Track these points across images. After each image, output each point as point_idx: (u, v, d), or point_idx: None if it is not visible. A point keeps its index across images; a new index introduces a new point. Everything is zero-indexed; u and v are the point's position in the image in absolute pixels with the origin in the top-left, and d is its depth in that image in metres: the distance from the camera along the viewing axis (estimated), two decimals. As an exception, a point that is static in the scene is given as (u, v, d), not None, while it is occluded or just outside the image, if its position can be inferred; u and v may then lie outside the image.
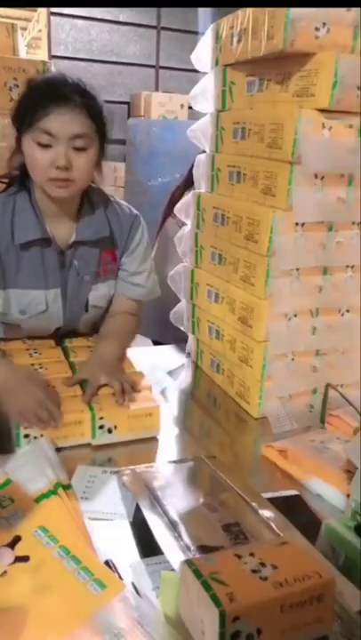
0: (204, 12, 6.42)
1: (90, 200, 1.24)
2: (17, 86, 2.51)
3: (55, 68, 2.59)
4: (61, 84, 1.09)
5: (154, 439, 1.11)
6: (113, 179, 5.97)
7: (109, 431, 1.07)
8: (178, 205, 1.50)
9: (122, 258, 1.31)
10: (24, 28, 6.63)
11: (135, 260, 1.32)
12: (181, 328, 1.58)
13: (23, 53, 3.31)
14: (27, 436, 1.01)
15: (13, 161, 1.17)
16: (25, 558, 0.74)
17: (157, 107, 6.16)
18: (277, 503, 0.87)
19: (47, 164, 1.07)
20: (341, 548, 0.73)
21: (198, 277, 1.44)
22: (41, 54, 6.12)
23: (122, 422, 1.08)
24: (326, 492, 0.95)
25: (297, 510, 0.89)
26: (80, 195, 1.21)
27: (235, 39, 1.20)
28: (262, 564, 0.64)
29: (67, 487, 0.88)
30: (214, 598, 0.58)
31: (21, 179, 1.19)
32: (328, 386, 1.15)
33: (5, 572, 0.72)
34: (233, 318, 1.27)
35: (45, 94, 1.07)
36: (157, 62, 6.70)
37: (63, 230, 1.21)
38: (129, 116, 6.53)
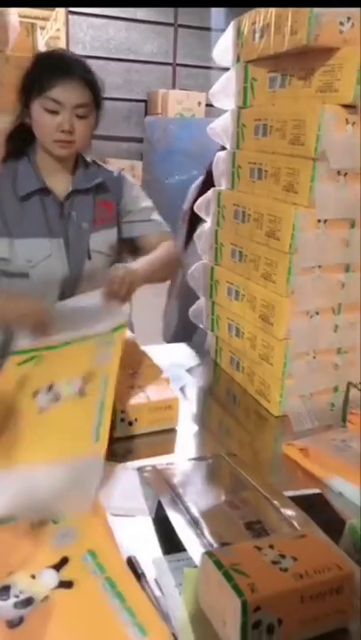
0: (217, 9, 6.39)
1: (83, 158, 1.40)
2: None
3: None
4: (67, 59, 1.26)
5: (173, 435, 1.12)
6: (131, 177, 5.98)
7: (130, 424, 1.08)
8: (198, 202, 1.49)
9: (121, 206, 1.43)
10: (43, 28, 6.67)
11: (138, 199, 1.46)
12: (200, 326, 1.57)
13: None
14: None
15: (14, 133, 1.33)
16: (69, 584, 0.70)
17: (174, 104, 6.16)
18: (299, 502, 0.87)
19: (54, 127, 1.23)
20: (366, 548, 0.72)
21: (218, 275, 1.44)
22: (59, 53, 6.15)
23: (142, 415, 1.09)
24: (348, 490, 0.94)
25: (319, 509, 0.89)
26: (75, 155, 1.36)
27: (257, 35, 1.19)
28: (282, 556, 0.64)
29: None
30: (236, 588, 0.59)
31: (21, 147, 1.33)
32: (350, 384, 1.14)
33: (47, 597, 0.68)
34: (253, 316, 1.26)
35: (54, 67, 1.23)
36: (174, 60, 6.70)
37: (61, 183, 1.35)
38: (146, 113, 6.54)
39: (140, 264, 1.29)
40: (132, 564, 0.74)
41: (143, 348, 1.35)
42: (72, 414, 0.98)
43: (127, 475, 0.95)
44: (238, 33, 1.28)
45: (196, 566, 0.71)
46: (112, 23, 6.36)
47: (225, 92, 1.37)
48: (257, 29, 1.19)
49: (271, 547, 0.66)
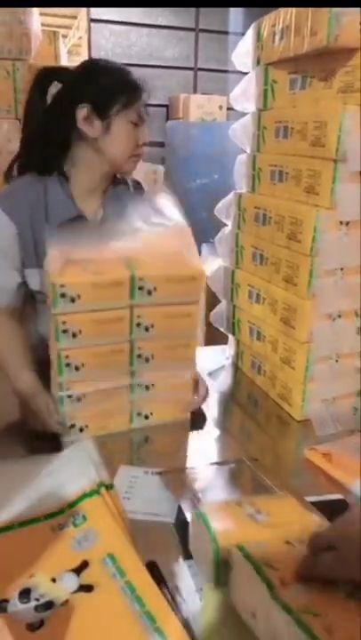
0: (235, 12, 6.39)
1: (115, 179, 1.32)
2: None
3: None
4: (128, 70, 1.22)
5: (195, 439, 1.11)
6: (152, 181, 6.00)
7: (146, 417, 1.10)
8: (218, 206, 1.49)
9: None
10: (65, 36, 6.78)
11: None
12: (221, 329, 1.57)
13: (65, 60, 3.39)
14: (72, 425, 1.04)
15: (39, 147, 1.21)
16: (89, 588, 0.69)
17: (196, 109, 6.16)
18: (321, 507, 0.85)
19: (136, 141, 1.20)
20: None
21: (239, 278, 1.43)
22: (81, 61, 6.23)
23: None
24: (372, 496, 0.93)
25: (341, 514, 0.87)
26: None
27: (277, 37, 1.19)
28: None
29: (109, 487, 0.89)
30: (267, 581, 0.58)
31: (52, 164, 1.21)
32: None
33: (67, 600, 0.68)
34: (275, 319, 1.25)
35: (134, 78, 1.19)
36: (196, 64, 6.71)
37: (92, 207, 1.26)
38: (168, 118, 6.56)
39: None
40: (152, 568, 0.73)
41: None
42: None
43: (148, 479, 0.95)
44: (258, 36, 1.28)
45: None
46: (134, 29, 6.39)
47: (245, 94, 1.37)
48: (277, 31, 1.19)
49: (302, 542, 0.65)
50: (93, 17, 6.14)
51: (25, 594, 0.68)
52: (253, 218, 1.34)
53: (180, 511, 0.84)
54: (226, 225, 1.50)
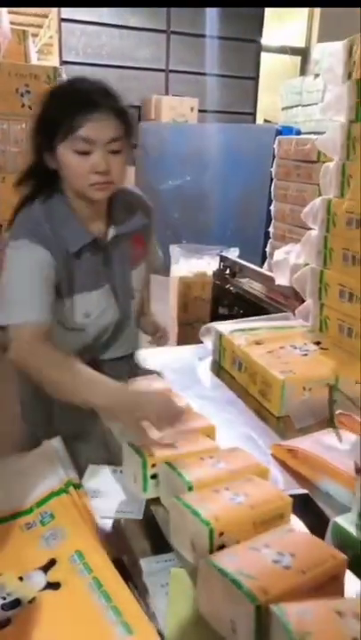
0: (210, 16, 6.44)
1: (116, 195, 1.24)
2: (28, 92, 2.54)
3: (66, 73, 2.61)
4: (89, 90, 1.10)
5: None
6: (124, 183, 6.00)
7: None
8: (305, 210, 1.57)
9: (146, 237, 1.34)
10: (35, 35, 6.70)
11: (153, 231, 1.38)
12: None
13: (34, 59, 3.36)
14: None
15: (31, 170, 1.17)
16: (56, 585, 0.70)
17: (168, 110, 6.18)
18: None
19: (87, 170, 1.09)
20: (348, 546, 0.73)
21: (328, 278, 1.50)
22: (52, 60, 6.18)
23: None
24: (336, 490, 0.95)
25: (305, 509, 0.90)
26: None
27: None
28: (280, 554, 0.66)
29: (78, 486, 0.89)
30: (248, 594, 0.59)
31: (49, 184, 1.17)
32: (331, 387, 1.16)
33: (34, 598, 0.68)
34: None
35: (76, 102, 1.07)
36: (167, 66, 6.73)
37: (100, 228, 1.23)
38: (140, 119, 6.56)
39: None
40: (119, 564, 0.74)
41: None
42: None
43: (116, 477, 0.96)
44: (350, 52, 1.36)
45: (182, 566, 0.72)
46: (105, 30, 6.38)
47: (335, 107, 1.45)
48: None
49: (267, 546, 0.67)
50: (64, 16, 6.11)
51: (-9, 593, 0.69)
52: (345, 222, 1.40)
53: (147, 508, 0.86)
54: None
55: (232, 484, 0.80)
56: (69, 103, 1.08)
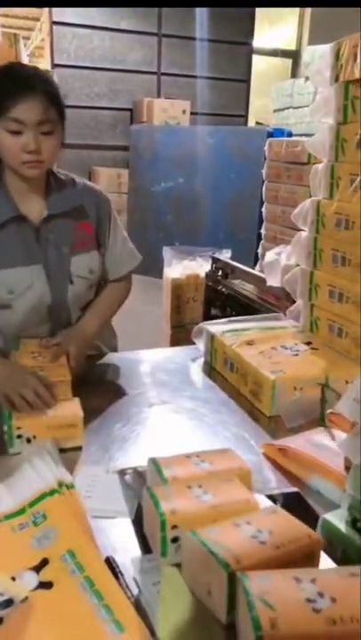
0: (200, 18, 6.47)
1: (56, 178, 1.35)
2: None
3: (58, 76, 2.61)
4: (23, 75, 1.19)
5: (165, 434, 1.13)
6: (117, 185, 6.01)
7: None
8: (295, 212, 1.58)
9: (101, 231, 1.40)
10: (27, 38, 6.71)
11: (118, 228, 1.45)
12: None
13: (26, 62, 3.36)
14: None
15: None
16: (48, 585, 0.71)
17: (160, 112, 6.21)
18: (276, 500, 0.89)
19: (19, 149, 1.17)
20: (338, 542, 0.74)
21: (318, 279, 1.51)
22: (44, 63, 6.19)
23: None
24: (326, 488, 0.96)
25: (295, 507, 0.90)
26: (46, 173, 1.31)
27: (359, 57, 1.29)
28: (259, 531, 0.70)
29: (70, 486, 0.90)
30: (222, 562, 0.64)
31: None
32: (322, 386, 1.17)
33: (27, 598, 0.69)
34: (358, 316, 1.33)
35: (10, 84, 1.16)
36: (159, 69, 6.76)
37: (34, 207, 1.30)
38: (132, 122, 6.57)
39: (91, 329, 1.38)
40: (110, 563, 0.75)
41: (131, 353, 1.38)
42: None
43: (108, 477, 0.97)
44: (337, 55, 1.38)
45: (173, 565, 0.72)
46: (97, 33, 6.40)
47: (324, 109, 1.47)
48: (359, 52, 1.29)
49: (248, 523, 0.71)
50: (56, 19, 6.12)
51: (-17, 593, 0.69)
52: (335, 223, 1.42)
53: (139, 508, 0.86)
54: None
55: (207, 482, 0.81)
56: (4, 86, 1.16)
